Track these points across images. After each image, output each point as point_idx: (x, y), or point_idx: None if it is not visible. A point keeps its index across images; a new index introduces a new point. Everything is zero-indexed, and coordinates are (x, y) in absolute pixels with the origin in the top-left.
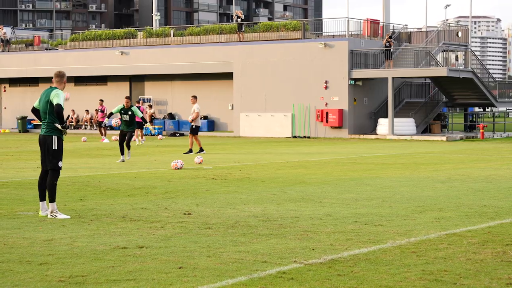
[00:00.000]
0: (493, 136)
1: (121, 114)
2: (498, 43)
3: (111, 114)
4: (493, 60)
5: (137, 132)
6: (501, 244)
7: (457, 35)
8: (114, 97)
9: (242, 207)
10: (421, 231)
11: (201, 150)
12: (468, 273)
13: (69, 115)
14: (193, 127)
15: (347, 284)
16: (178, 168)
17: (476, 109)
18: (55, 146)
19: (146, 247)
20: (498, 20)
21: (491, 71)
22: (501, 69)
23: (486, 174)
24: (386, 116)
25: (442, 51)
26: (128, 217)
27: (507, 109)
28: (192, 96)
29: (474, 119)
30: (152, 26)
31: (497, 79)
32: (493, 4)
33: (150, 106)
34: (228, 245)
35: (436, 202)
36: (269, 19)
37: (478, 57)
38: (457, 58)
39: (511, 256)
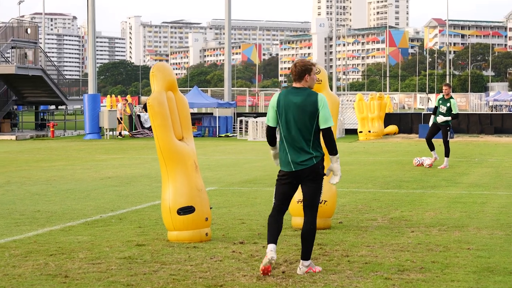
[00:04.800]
0: (64, 135)
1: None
2: (75, 40)
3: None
4: (70, 58)
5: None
6: (45, 255)
7: (26, 31)
8: None
9: None
10: None
11: None
12: None
13: None
14: None
15: None
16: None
17: (52, 107)
18: None
19: None
20: (74, 17)
21: (69, 68)
22: (78, 66)
23: (48, 176)
24: None
25: (11, 48)
26: None
27: (81, 107)
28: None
29: (46, 118)
30: None
31: (74, 77)
32: (69, 2)
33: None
34: None
35: None
36: None
37: (55, 54)
38: (26, 55)
39: (52, 268)
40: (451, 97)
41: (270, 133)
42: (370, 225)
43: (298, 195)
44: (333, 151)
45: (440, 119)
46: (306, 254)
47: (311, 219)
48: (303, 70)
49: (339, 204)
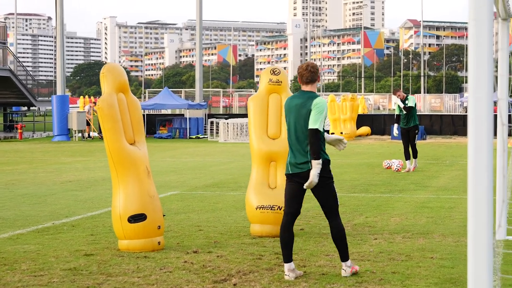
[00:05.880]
0: (32, 136)
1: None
2: (49, 41)
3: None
4: (45, 58)
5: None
6: None
7: None
8: None
9: None
10: None
11: None
12: None
13: None
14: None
15: None
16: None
17: (24, 108)
18: None
19: None
20: (49, 18)
21: (43, 69)
22: (52, 67)
23: (7, 179)
24: None
25: None
26: None
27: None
28: None
29: (15, 119)
30: None
31: (49, 78)
32: (43, 2)
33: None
34: None
35: None
36: None
37: (29, 55)
38: None
39: None
40: (407, 96)
41: None
42: None
43: (257, 201)
44: (313, 154)
45: (399, 103)
46: (344, 256)
47: (336, 223)
48: (313, 73)
49: (302, 209)
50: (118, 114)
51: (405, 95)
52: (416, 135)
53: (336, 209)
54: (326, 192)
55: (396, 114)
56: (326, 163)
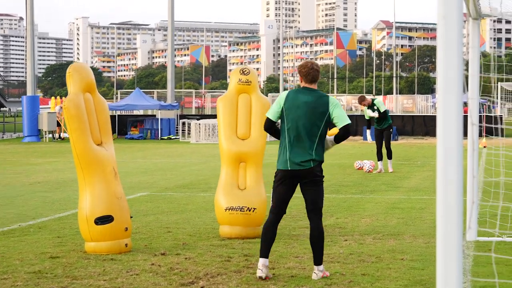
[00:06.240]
0: (2, 137)
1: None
2: (21, 41)
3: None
4: (16, 59)
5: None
6: None
7: None
8: None
9: None
10: None
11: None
12: None
13: None
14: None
15: None
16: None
17: None
18: None
19: None
20: (21, 18)
21: (15, 69)
22: (24, 68)
23: None
24: None
25: None
26: None
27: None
28: None
29: None
30: None
31: (21, 78)
32: (15, 2)
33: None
34: None
35: None
36: None
37: (1, 56)
38: None
39: None
40: (373, 101)
41: (268, 125)
42: (302, 234)
43: (226, 202)
44: (339, 141)
45: (372, 114)
46: (318, 260)
47: (317, 224)
48: (318, 72)
49: None
50: (84, 115)
51: (371, 100)
52: (391, 135)
53: (321, 210)
54: (317, 191)
55: (368, 120)
56: (320, 163)
